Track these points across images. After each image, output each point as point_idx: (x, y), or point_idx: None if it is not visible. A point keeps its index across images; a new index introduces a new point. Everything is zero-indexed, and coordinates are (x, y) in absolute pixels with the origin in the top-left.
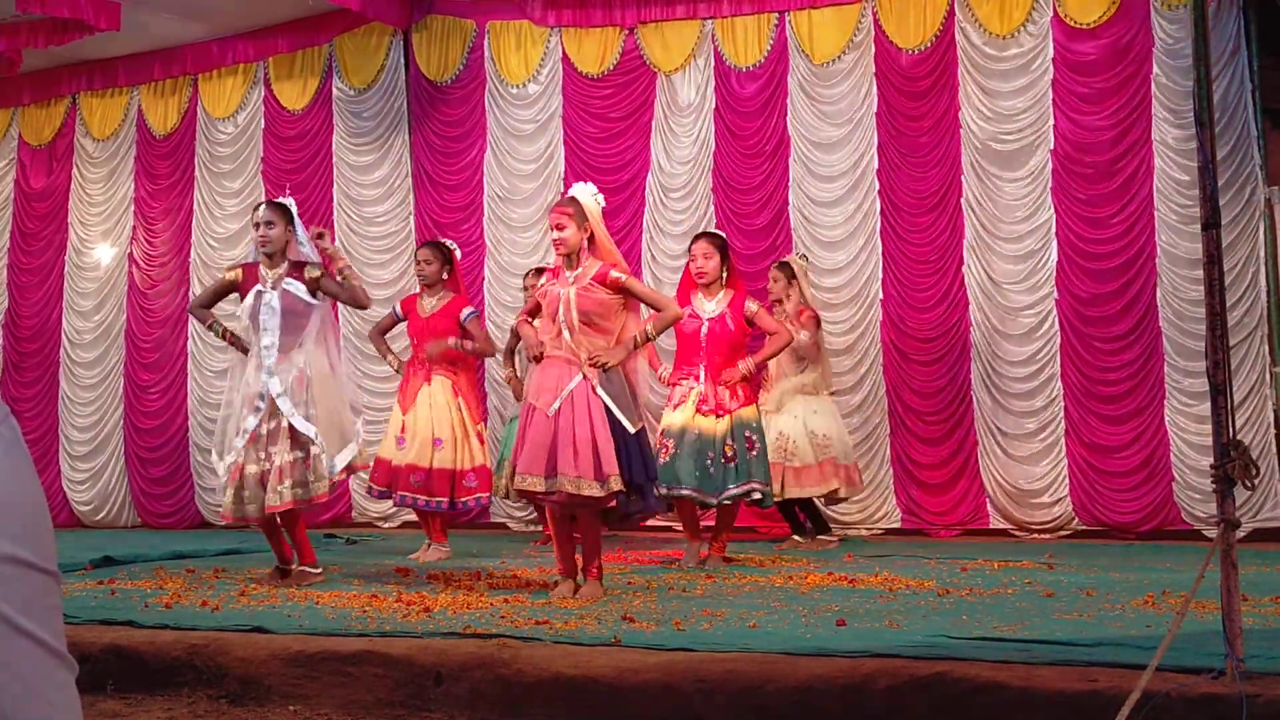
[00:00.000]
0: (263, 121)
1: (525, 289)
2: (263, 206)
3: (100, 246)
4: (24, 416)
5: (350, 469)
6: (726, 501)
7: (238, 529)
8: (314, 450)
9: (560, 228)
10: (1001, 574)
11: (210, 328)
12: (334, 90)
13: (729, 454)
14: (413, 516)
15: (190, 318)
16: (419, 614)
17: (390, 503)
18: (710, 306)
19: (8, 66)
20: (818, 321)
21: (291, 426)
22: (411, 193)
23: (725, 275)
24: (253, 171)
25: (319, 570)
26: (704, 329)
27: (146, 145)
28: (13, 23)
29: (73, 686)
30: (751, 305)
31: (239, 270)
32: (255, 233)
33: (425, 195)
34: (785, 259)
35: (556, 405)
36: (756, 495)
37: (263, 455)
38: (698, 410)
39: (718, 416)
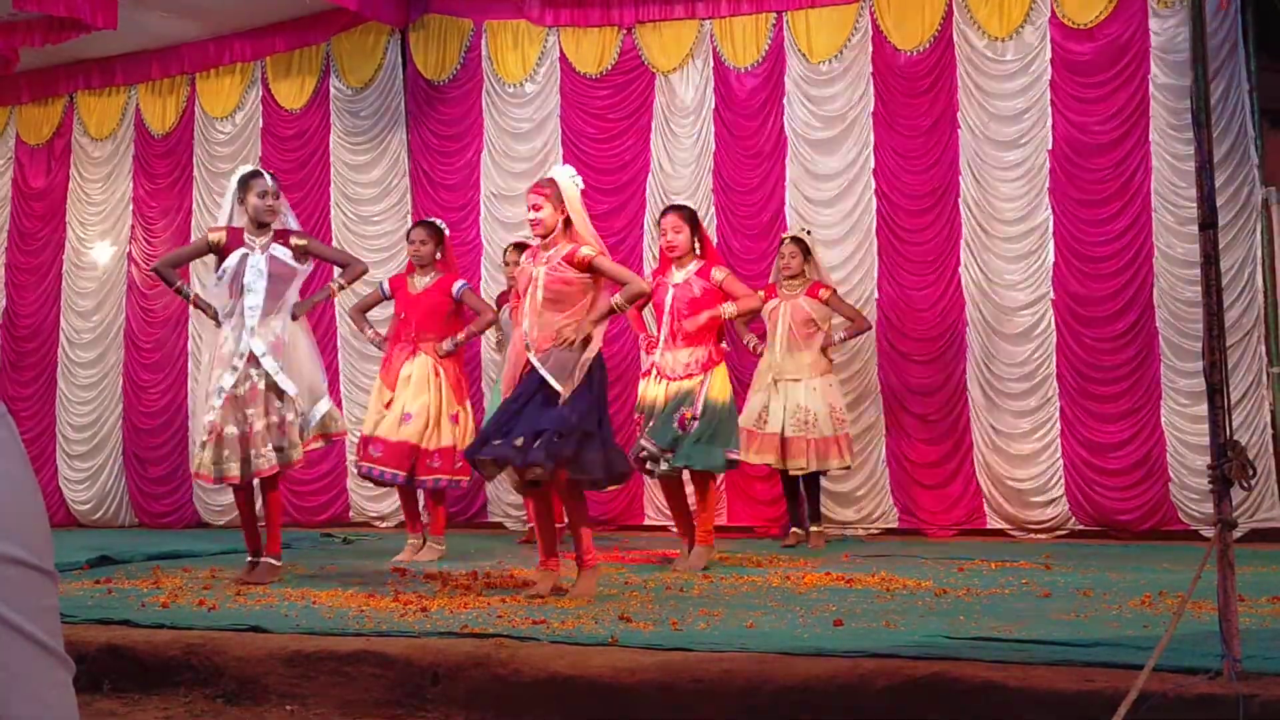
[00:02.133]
0: (260, 121)
1: (505, 264)
2: (267, 177)
3: (99, 246)
4: (21, 416)
5: (326, 437)
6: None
7: (234, 528)
8: (289, 417)
9: (537, 208)
10: (998, 574)
11: (179, 290)
12: (331, 89)
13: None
14: None
15: (166, 283)
16: (416, 613)
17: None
18: (679, 276)
19: (5, 65)
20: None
21: (268, 389)
22: (409, 192)
23: (699, 247)
24: None
25: (280, 564)
26: (669, 295)
27: (145, 144)
28: (9, 21)
29: (69, 686)
30: (718, 273)
31: (223, 233)
32: (261, 202)
33: (422, 194)
34: (795, 234)
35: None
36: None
37: (240, 417)
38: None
39: (668, 381)
